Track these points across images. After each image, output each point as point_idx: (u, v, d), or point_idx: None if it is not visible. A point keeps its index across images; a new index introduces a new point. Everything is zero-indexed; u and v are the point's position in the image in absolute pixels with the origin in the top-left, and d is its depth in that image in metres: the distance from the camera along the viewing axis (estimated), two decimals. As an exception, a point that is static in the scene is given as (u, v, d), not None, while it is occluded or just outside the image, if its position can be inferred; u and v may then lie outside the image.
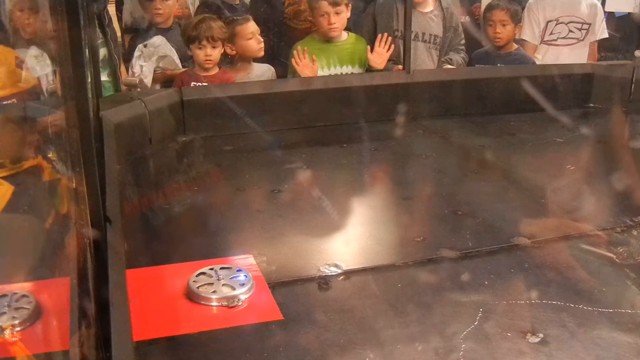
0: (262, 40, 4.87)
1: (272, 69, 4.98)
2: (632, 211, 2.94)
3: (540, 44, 5.72)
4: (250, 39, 4.79)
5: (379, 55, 4.93)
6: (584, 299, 2.23)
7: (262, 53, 4.89)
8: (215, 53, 4.62)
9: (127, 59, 4.87)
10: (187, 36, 4.69)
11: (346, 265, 2.40)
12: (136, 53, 4.74)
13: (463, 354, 1.92)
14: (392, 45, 4.93)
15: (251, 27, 4.82)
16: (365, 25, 5.42)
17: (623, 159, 3.71)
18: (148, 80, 4.63)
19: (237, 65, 4.87)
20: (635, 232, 2.77)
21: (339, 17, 4.88)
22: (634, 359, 1.92)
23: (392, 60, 5.03)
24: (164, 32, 5.09)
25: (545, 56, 5.71)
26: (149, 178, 3.34)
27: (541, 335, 2.02)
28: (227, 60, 4.87)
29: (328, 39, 4.96)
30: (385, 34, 4.97)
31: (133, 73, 4.59)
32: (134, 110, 3.49)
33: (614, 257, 2.57)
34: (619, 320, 2.11)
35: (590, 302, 2.21)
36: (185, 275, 2.25)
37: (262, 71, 4.91)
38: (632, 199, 3.23)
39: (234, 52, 4.81)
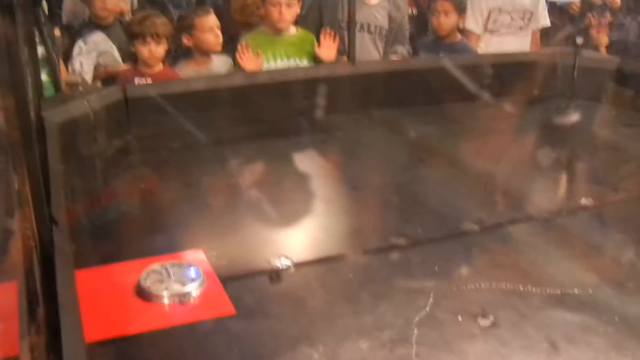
0: (220, 35, 4.82)
1: (230, 60, 4.92)
2: (577, 194, 2.99)
3: (483, 33, 5.75)
4: (208, 32, 4.74)
5: (327, 48, 4.92)
6: (532, 281, 2.26)
7: (219, 48, 4.82)
8: (160, 50, 4.57)
9: (67, 57, 4.79)
10: (130, 33, 4.64)
11: (297, 257, 2.40)
12: (75, 50, 4.68)
13: (416, 340, 1.93)
14: (338, 37, 4.92)
15: (211, 20, 4.75)
16: (311, 16, 5.39)
17: (567, 144, 3.77)
18: (88, 77, 4.57)
19: (196, 58, 4.83)
20: (580, 215, 2.81)
21: (290, 10, 4.85)
22: (582, 336, 1.95)
23: (339, 51, 5.02)
24: (104, 28, 5.01)
25: (489, 45, 5.74)
26: (95, 178, 3.30)
27: (492, 317, 2.04)
28: (185, 53, 4.83)
29: (276, 32, 4.93)
30: (329, 29, 4.96)
31: (73, 70, 4.53)
32: (77, 109, 3.44)
33: (561, 239, 2.61)
34: (566, 300, 2.15)
35: (538, 284, 2.24)
36: (136, 273, 2.23)
37: (222, 63, 4.87)
38: (577, 183, 3.28)
39: (190, 44, 4.77)
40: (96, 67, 4.69)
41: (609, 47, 6.48)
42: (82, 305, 1.89)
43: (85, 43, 4.69)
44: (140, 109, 3.73)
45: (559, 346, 1.91)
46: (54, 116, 3.21)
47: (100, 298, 2.17)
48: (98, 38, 4.79)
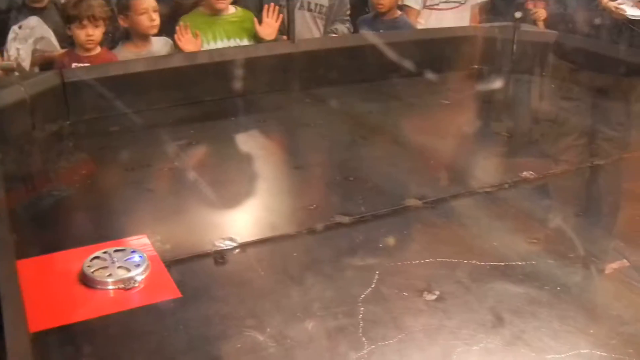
0: (156, 18, 4.74)
1: (170, 42, 4.86)
2: (518, 167, 3.03)
3: (423, 8, 5.77)
4: (143, 14, 4.65)
5: (268, 26, 4.89)
6: (476, 254, 2.29)
7: (154, 31, 4.74)
8: (97, 33, 4.49)
9: (1, 42, 4.69)
10: (66, 16, 4.54)
11: (241, 238, 2.39)
12: (10, 35, 4.57)
13: (362, 317, 1.94)
14: (281, 15, 4.89)
15: (146, 2, 4.65)
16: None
17: (507, 117, 3.81)
18: (26, 64, 4.48)
19: (135, 41, 4.76)
20: (522, 187, 2.85)
21: None
22: (525, 307, 1.98)
23: (280, 30, 5.00)
24: (38, 12, 4.89)
25: (429, 21, 5.76)
26: (35, 165, 3.25)
27: (437, 292, 2.06)
28: (125, 35, 4.77)
29: (215, 12, 4.89)
30: (272, 4, 4.92)
31: (9, 57, 4.44)
32: (13, 95, 3.38)
33: (503, 212, 2.65)
34: (510, 272, 2.18)
35: (482, 257, 2.27)
36: (79, 261, 2.20)
37: (161, 45, 4.81)
38: (518, 156, 3.32)
39: (125, 25, 4.70)
40: (33, 53, 4.60)
41: (546, 21, 6.54)
42: (25, 296, 1.86)
43: (20, 28, 4.59)
44: (78, 93, 3.68)
45: (504, 318, 1.94)
46: (-11, 103, 3.16)
47: (44, 287, 2.14)
48: (33, 22, 4.68)
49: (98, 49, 4.53)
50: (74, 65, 4.37)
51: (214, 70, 4.05)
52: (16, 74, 3.73)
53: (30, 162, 3.24)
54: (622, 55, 4.23)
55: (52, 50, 4.71)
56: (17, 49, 4.39)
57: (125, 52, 4.68)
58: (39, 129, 3.48)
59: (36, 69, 4.55)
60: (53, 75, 3.69)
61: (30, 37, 4.55)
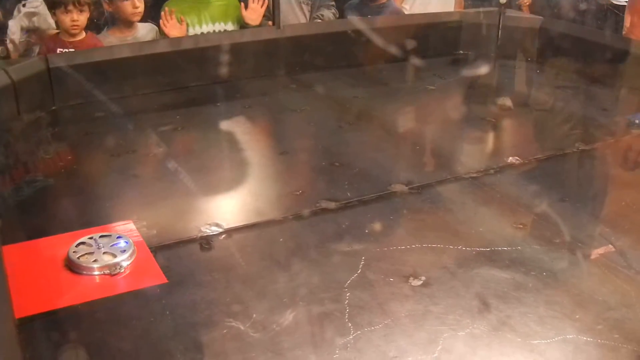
0: (140, 5, 4.72)
1: (156, 28, 4.85)
2: (504, 153, 3.04)
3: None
4: (127, 0, 4.65)
5: (253, 11, 4.88)
6: (462, 240, 2.30)
7: (136, 18, 4.73)
8: (82, 18, 4.47)
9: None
10: (52, 1, 4.53)
11: (227, 224, 2.40)
12: (16, 13, 4.56)
13: (348, 302, 1.95)
14: (267, 1, 4.87)
15: None
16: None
17: (492, 103, 3.81)
18: (16, 37, 4.46)
19: (120, 26, 4.74)
20: (508, 172, 2.86)
21: None
22: (511, 293, 1.99)
23: (266, 16, 4.98)
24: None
25: (414, 6, 5.77)
26: (20, 151, 3.23)
27: (423, 278, 2.07)
28: (111, 21, 4.74)
29: (200, -3, 4.89)
30: None
31: (13, 33, 4.42)
32: (-3, 81, 3.37)
33: (489, 197, 2.65)
34: (496, 258, 2.19)
35: (468, 243, 2.28)
36: (65, 247, 2.20)
37: (147, 31, 4.80)
38: (503, 142, 3.33)
39: (110, 10, 4.68)
40: (27, 30, 4.57)
41: (532, 6, 6.55)
42: (10, 281, 1.86)
43: (24, 6, 4.57)
44: (63, 79, 3.66)
45: (490, 303, 1.94)
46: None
47: (29, 273, 2.13)
48: (36, 2, 4.67)
49: (83, 34, 4.51)
50: (59, 50, 4.36)
51: (199, 55, 4.03)
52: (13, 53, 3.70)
53: (15, 148, 3.23)
54: (608, 41, 4.24)
55: (46, 28, 4.67)
56: (9, 25, 4.35)
57: (110, 38, 4.67)
58: (24, 115, 3.46)
59: (37, 50, 4.52)
60: (38, 61, 3.67)
61: (34, 16, 4.53)
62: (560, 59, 4.31)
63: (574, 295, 1.99)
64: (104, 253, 2.17)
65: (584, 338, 1.80)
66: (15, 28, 4.47)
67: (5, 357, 1.34)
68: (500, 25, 4.63)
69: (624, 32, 4.79)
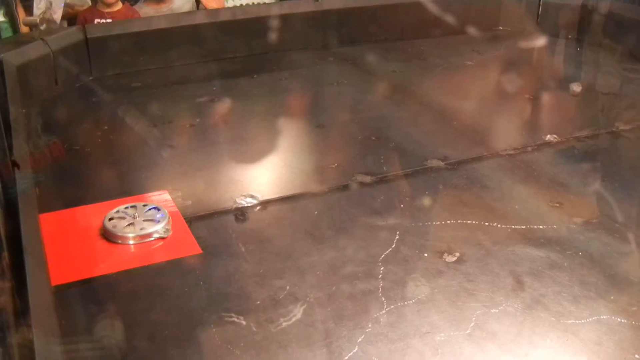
0: None
1: None
2: (542, 131, 3.01)
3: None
4: None
5: None
6: (498, 217, 2.28)
7: None
8: (118, -12, 4.50)
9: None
10: None
11: (262, 196, 2.40)
12: None
13: (382, 277, 1.94)
14: None
15: None
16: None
17: (532, 80, 3.77)
18: (57, 16, 4.47)
19: None
20: (545, 150, 2.83)
21: None
22: (546, 271, 1.97)
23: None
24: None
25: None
26: (58, 120, 3.26)
27: (457, 254, 2.06)
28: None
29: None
30: None
31: (39, 9, 4.43)
32: (36, 51, 3.38)
33: (526, 175, 2.63)
34: (531, 236, 2.17)
35: (504, 220, 2.26)
36: (101, 216, 2.22)
37: (183, 2, 4.80)
38: (541, 119, 3.29)
39: None
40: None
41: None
42: (47, 249, 1.88)
43: None
44: (100, 49, 3.68)
45: (524, 281, 1.93)
46: (13, 58, 3.15)
47: (66, 241, 2.16)
48: None
49: (119, 5, 4.52)
50: (96, 21, 4.37)
51: (237, 27, 4.03)
52: (42, 27, 3.71)
53: (53, 117, 3.25)
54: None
55: (81, 5, 4.69)
56: (50, 2, 4.35)
57: (147, 9, 4.67)
58: (62, 85, 3.48)
59: (65, 24, 4.54)
60: (76, 31, 3.69)
61: None
62: (602, 36, 4.24)
63: (609, 276, 1.97)
64: (140, 222, 2.18)
65: (618, 319, 1.79)
66: (56, 7, 4.46)
67: (41, 323, 1.36)
68: (541, 2, 4.57)
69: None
